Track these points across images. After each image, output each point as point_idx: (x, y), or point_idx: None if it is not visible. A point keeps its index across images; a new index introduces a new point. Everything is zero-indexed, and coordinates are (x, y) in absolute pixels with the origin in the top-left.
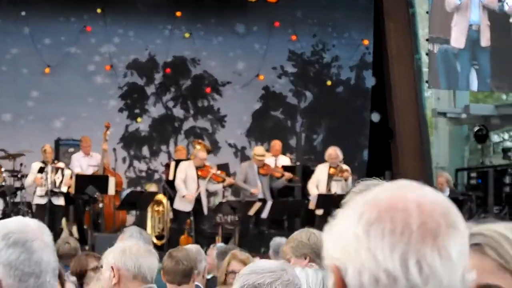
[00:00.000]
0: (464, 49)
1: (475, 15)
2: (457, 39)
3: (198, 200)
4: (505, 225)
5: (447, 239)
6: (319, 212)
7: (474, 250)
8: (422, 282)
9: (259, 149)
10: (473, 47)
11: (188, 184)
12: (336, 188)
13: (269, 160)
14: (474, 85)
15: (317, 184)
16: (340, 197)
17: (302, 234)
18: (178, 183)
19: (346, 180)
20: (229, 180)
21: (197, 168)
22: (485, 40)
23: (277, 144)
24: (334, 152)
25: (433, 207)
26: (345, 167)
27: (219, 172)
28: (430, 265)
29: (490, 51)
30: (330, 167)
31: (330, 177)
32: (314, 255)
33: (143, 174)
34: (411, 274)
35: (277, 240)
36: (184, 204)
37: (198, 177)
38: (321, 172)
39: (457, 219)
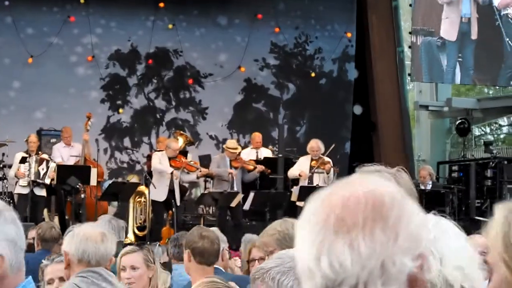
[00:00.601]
0: (453, 41)
1: (466, 8)
2: (449, 32)
3: (171, 191)
4: None
5: (362, 234)
6: (301, 203)
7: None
8: (333, 276)
9: (231, 142)
10: (462, 39)
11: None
12: (318, 180)
13: (251, 152)
14: (457, 78)
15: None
16: (322, 189)
17: (287, 225)
18: (156, 166)
19: (327, 172)
20: (204, 170)
21: (170, 158)
22: (474, 33)
23: (257, 136)
24: (316, 144)
25: (360, 201)
26: (326, 159)
27: (192, 162)
28: (339, 260)
29: (476, 44)
30: (311, 159)
31: (312, 169)
32: None
33: (125, 165)
34: (322, 268)
35: (248, 237)
36: (157, 194)
37: (171, 167)
38: (303, 164)
39: (388, 213)
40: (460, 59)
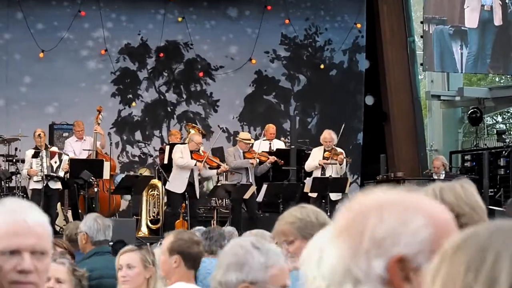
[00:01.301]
0: (474, 28)
1: None
2: (470, 19)
3: (191, 184)
4: None
5: (337, 240)
6: (313, 195)
7: None
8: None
9: (244, 134)
10: (484, 28)
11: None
12: (331, 171)
13: (264, 144)
14: (470, 67)
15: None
16: (335, 180)
17: (307, 212)
18: (177, 161)
19: (341, 163)
20: (223, 167)
21: (192, 152)
22: (497, 19)
23: (271, 127)
24: (329, 135)
25: (346, 211)
26: (339, 150)
27: (212, 157)
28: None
29: (497, 31)
30: (324, 150)
31: (325, 160)
32: None
33: (136, 159)
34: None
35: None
36: (177, 186)
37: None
38: (316, 155)
39: (355, 224)
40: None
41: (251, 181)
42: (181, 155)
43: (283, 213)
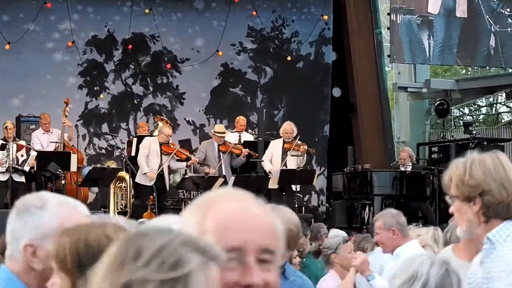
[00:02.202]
0: (436, 15)
1: None
2: (433, 5)
3: (160, 176)
4: None
5: None
6: (274, 186)
7: None
8: None
9: (219, 127)
10: (448, 16)
11: (151, 160)
12: (292, 163)
13: (233, 136)
14: (438, 57)
15: (271, 159)
16: (303, 172)
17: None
18: (140, 160)
19: (303, 155)
20: (193, 159)
21: (161, 144)
22: (460, 11)
23: (241, 119)
24: (289, 127)
25: None
26: (299, 142)
27: (181, 149)
28: None
29: (462, 21)
30: (284, 142)
31: (285, 152)
32: None
33: (103, 151)
34: None
35: None
36: (146, 179)
37: (162, 153)
38: (275, 148)
39: None
40: (444, 37)
41: (224, 173)
42: (147, 150)
43: None
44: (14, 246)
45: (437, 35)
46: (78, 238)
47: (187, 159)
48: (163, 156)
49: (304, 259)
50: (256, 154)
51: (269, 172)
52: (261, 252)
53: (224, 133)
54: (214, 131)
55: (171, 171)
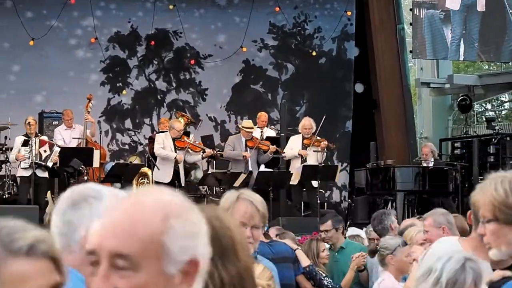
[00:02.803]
0: (456, 11)
1: None
2: (452, 1)
3: (176, 172)
4: None
5: None
6: (294, 182)
7: None
8: None
9: (247, 122)
10: (468, 11)
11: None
12: (312, 159)
13: (255, 132)
14: (461, 53)
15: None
16: (325, 168)
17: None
18: (159, 151)
19: (323, 150)
20: (208, 151)
21: (174, 139)
22: (480, 5)
23: (263, 115)
24: (308, 122)
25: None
26: (318, 137)
27: (196, 142)
28: None
29: (482, 16)
30: (303, 137)
31: (305, 147)
32: None
33: (126, 147)
34: None
35: None
36: (163, 175)
37: (176, 148)
38: (295, 143)
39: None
40: (464, 31)
41: (251, 169)
42: (162, 145)
43: (272, 204)
44: (72, 237)
45: (457, 29)
46: None
47: (202, 151)
48: (177, 151)
49: (336, 253)
50: (284, 152)
51: (298, 154)
52: (113, 257)
53: (252, 128)
54: (242, 126)
55: (190, 165)
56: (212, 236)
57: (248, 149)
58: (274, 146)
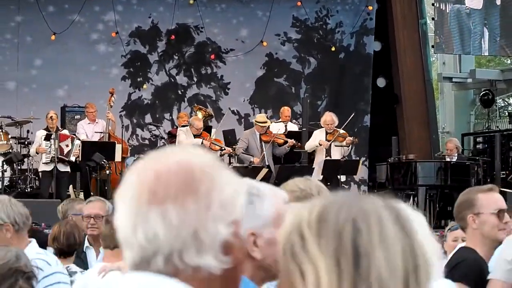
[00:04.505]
0: (478, 9)
1: None
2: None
3: None
4: None
5: (174, 205)
6: (318, 177)
7: None
8: (148, 246)
9: (260, 117)
10: (487, 6)
11: None
12: (337, 154)
13: (279, 126)
14: (484, 48)
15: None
16: (347, 162)
17: (309, 184)
18: (183, 141)
19: (347, 145)
20: (227, 149)
21: (194, 136)
22: None
23: (286, 110)
24: (330, 117)
25: (171, 173)
26: (342, 132)
27: (216, 141)
28: (152, 231)
29: (500, 9)
30: (326, 132)
31: (329, 142)
32: None
33: (146, 141)
34: (138, 239)
35: None
36: None
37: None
38: (318, 138)
39: (198, 184)
40: (486, 27)
41: (267, 163)
42: (185, 137)
43: (287, 181)
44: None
45: (479, 25)
46: None
47: (221, 149)
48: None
49: None
50: (299, 145)
51: (319, 144)
52: None
53: (266, 122)
54: (256, 121)
55: None
56: None
57: (263, 143)
58: (293, 140)
